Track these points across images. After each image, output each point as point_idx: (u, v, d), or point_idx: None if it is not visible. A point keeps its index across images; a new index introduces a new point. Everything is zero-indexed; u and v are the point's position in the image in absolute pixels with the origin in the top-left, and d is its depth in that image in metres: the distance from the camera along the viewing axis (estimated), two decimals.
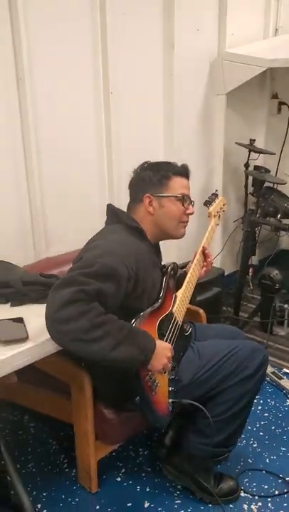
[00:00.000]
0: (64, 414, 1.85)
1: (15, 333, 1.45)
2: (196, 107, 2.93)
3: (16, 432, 2.17)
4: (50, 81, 2.13)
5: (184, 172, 1.76)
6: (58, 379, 1.80)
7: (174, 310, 1.68)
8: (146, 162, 1.78)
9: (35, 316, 1.55)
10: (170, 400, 1.59)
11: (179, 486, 1.88)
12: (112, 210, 1.73)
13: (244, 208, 3.23)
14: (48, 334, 1.40)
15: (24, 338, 1.45)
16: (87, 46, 2.27)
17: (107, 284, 1.44)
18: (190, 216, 1.76)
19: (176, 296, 1.72)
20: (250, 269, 3.19)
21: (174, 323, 1.66)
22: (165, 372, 1.57)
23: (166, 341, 1.60)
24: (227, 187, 3.24)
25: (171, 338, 1.63)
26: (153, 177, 1.71)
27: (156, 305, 1.62)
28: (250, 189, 3.16)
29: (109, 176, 2.49)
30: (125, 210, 1.77)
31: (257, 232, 3.16)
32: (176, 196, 1.70)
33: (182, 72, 2.71)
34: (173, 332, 1.65)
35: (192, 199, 1.76)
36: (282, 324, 2.95)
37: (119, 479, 1.93)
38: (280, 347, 2.83)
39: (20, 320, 1.54)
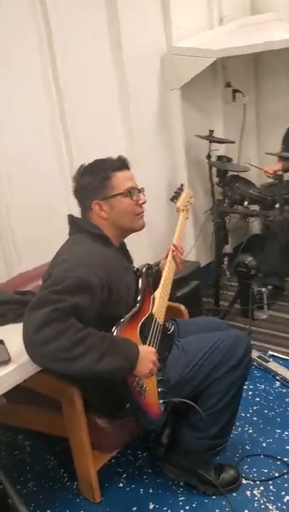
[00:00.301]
0: (58, 429, 1.84)
1: None
2: (152, 104, 2.94)
3: (12, 453, 2.14)
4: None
5: (122, 165, 1.70)
6: (46, 395, 1.79)
7: (153, 311, 1.68)
8: (82, 166, 1.72)
9: (15, 336, 1.53)
10: (161, 401, 1.60)
11: (181, 483, 1.89)
12: (72, 221, 1.71)
13: (212, 199, 3.25)
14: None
15: (6, 361, 1.43)
16: (36, 57, 2.26)
17: (81, 297, 1.43)
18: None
19: (154, 297, 1.72)
20: (225, 258, 3.23)
21: (155, 324, 1.67)
22: (152, 376, 1.57)
23: (149, 344, 1.60)
24: (193, 180, 3.26)
25: (154, 339, 1.64)
26: (93, 181, 1.65)
27: (135, 309, 1.62)
28: (216, 180, 3.19)
29: None
30: None
31: (227, 221, 3.19)
32: (122, 193, 1.66)
33: (134, 71, 2.71)
34: (155, 333, 1.65)
35: (140, 187, 1.72)
36: (263, 308, 2.99)
37: (121, 485, 1.93)
38: (263, 331, 2.87)
39: (0, 342, 1.52)
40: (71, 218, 1.71)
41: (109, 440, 1.76)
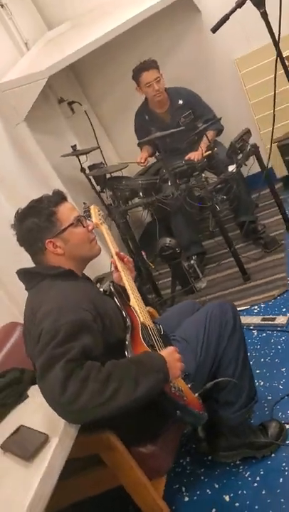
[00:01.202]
0: (106, 483, 1.71)
1: (32, 441, 1.28)
2: (6, 146, 2.85)
3: None
4: None
5: (60, 198, 1.68)
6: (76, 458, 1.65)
7: (142, 320, 1.64)
8: (16, 213, 1.65)
9: (27, 416, 1.41)
10: (196, 394, 1.57)
11: (237, 462, 1.88)
12: (28, 273, 1.61)
13: (104, 207, 3.26)
14: (60, 417, 1.30)
15: (46, 439, 1.28)
16: None
17: (84, 338, 1.37)
18: None
19: (133, 307, 1.69)
20: (142, 252, 3.25)
21: (150, 330, 1.63)
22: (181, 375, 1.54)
23: (159, 350, 1.56)
24: (76, 198, 3.21)
25: (158, 343, 1.60)
26: (39, 222, 1.60)
27: (129, 325, 1.58)
28: (98, 188, 3.20)
29: None
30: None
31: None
32: (72, 224, 1.64)
33: None
34: (156, 338, 1.61)
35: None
36: (200, 278, 3.08)
37: (187, 499, 1.87)
38: (213, 296, 2.97)
39: (22, 428, 1.37)
40: (25, 271, 1.61)
41: (161, 460, 1.68)
